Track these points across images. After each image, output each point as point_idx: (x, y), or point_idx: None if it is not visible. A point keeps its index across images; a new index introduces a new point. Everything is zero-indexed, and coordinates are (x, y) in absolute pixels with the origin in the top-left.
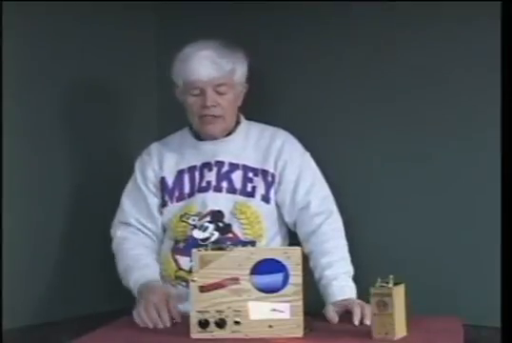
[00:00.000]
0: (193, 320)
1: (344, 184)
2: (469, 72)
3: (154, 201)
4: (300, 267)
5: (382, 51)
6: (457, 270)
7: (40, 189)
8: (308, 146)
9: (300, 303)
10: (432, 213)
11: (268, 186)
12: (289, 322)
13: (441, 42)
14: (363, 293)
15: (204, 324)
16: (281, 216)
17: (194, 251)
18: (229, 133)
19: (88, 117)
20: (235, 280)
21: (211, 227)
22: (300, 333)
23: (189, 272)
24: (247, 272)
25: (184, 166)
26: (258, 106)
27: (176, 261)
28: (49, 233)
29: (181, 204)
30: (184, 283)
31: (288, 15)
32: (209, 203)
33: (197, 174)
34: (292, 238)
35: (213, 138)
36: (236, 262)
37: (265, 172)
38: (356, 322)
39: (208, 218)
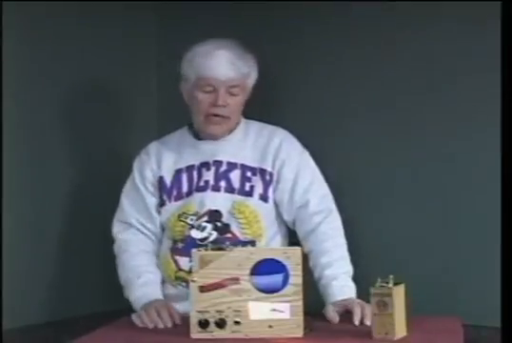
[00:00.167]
0: (193, 320)
1: (344, 183)
2: (469, 72)
3: (152, 201)
4: (300, 267)
5: (382, 51)
6: (457, 270)
7: (40, 189)
8: (309, 145)
9: (300, 303)
10: (432, 213)
11: (267, 185)
12: (289, 322)
13: (441, 42)
14: (363, 293)
15: (204, 324)
16: (280, 215)
17: (194, 251)
18: (228, 133)
19: (87, 117)
20: (235, 280)
21: (209, 226)
22: (300, 333)
23: (189, 272)
24: (247, 272)
25: (182, 165)
26: (258, 106)
27: (176, 262)
28: (49, 233)
29: (179, 203)
30: (184, 283)
31: (288, 15)
32: (207, 202)
33: (195, 174)
34: (292, 237)
35: (213, 138)
36: (236, 262)
37: (263, 171)
38: (356, 322)
39: (206, 218)
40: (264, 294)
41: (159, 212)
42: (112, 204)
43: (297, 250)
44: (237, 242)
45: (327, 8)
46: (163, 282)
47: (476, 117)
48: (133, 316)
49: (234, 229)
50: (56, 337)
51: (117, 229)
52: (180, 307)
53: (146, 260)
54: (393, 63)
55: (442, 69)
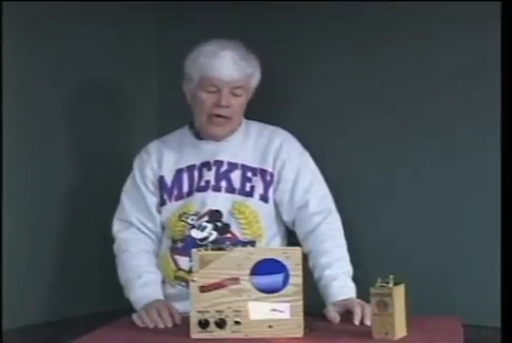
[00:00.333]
0: (193, 320)
1: (344, 184)
2: (469, 72)
3: (153, 200)
4: (300, 267)
5: (382, 52)
6: (457, 270)
7: (40, 189)
8: (309, 146)
9: (300, 303)
10: (432, 213)
11: (267, 185)
12: (289, 322)
13: (441, 42)
14: (363, 293)
15: (204, 324)
16: (279, 216)
17: (194, 251)
18: (230, 133)
19: (87, 117)
20: (235, 280)
21: (210, 226)
22: (300, 333)
23: (189, 272)
24: (247, 272)
25: (183, 165)
26: (258, 106)
27: (175, 261)
28: (50, 233)
29: (180, 203)
30: (183, 283)
31: (288, 15)
32: (208, 202)
33: (196, 174)
34: (291, 237)
35: (214, 138)
36: (236, 262)
37: (263, 172)
38: (356, 322)
39: (207, 218)
40: (264, 294)
41: (159, 212)
42: (112, 204)
43: (297, 250)
44: (237, 242)
45: (327, 8)
46: (162, 282)
47: (476, 117)
48: (134, 316)
49: (234, 229)
50: (56, 337)
51: (117, 227)
52: (179, 306)
53: (146, 260)
54: (393, 63)
55: (442, 69)
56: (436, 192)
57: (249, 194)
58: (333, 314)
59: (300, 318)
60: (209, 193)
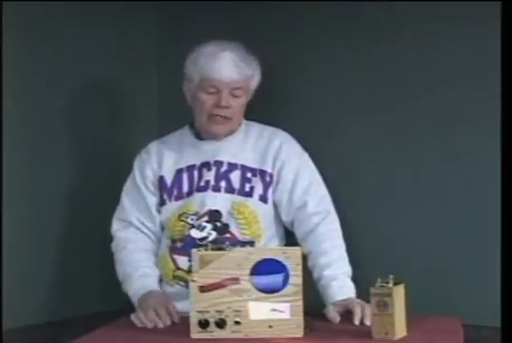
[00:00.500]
0: (193, 320)
1: (344, 184)
2: (469, 72)
3: (153, 200)
4: (300, 267)
5: (382, 52)
6: (457, 270)
7: (40, 189)
8: (308, 146)
9: (300, 303)
10: (432, 213)
11: (266, 186)
12: (289, 322)
13: (441, 42)
14: (363, 293)
15: (204, 324)
16: (278, 217)
17: (194, 251)
18: (230, 133)
19: (87, 117)
20: (235, 280)
21: (209, 226)
22: (300, 333)
23: (187, 271)
24: (247, 272)
25: (183, 165)
26: (258, 106)
27: (174, 261)
28: (49, 233)
29: (179, 203)
30: (182, 282)
31: (288, 16)
32: (208, 202)
33: (196, 174)
34: (290, 238)
35: (214, 138)
36: (236, 262)
37: (263, 173)
38: (356, 322)
39: (206, 218)
40: (264, 294)
41: (159, 212)
42: (112, 204)
43: (297, 250)
44: (236, 242)
45: (327, 8)
46: (160, 281)
47: (476, 117)
48: (132, 317)
49: (233, 229)
50: (56, 337)
51: (116, 227)
52: (178, 306)
53: (144, 256)
54: (393, 63)
55: (442, 69)
56: (436, 192)
57: (249, 195)
58: (333, 314)
59: (300, 318)
60: (209, 193)
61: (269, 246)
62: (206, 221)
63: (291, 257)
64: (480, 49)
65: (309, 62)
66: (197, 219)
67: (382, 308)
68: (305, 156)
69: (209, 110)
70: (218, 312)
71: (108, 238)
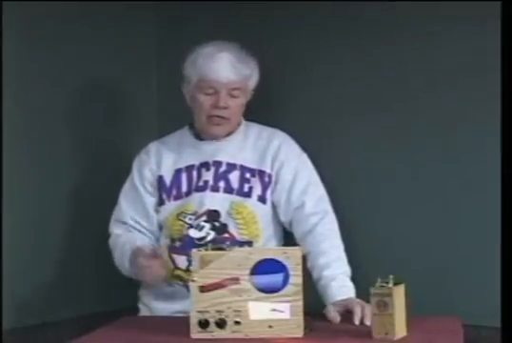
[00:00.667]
0: (193, 320)
1: (344, 184)
2: (469, 72)
3: (150, 200)
4: (300, 267)
5: (382, 52)
6: (457, 269)
7: (40, 189)
8: (306, 146)
9: (300, 303)
10: (432, 213)
11: (265, 186)
12: (289, 322)
13: (441, 42)
14: (362, 293)
15: (204, 324)
16: (276, 218)
17: (194, 251)
18: (229, 134)
19: (87, 117)
20: (235, 280)
21: (207, 226)
22: (300, 333)
23: (186, 270)
24: (247, 272)
25: (182, 165)
26: (257, 106)
27: (173, 260)
28: (50, 233)
29: (178, 203)
30: (180, 282)
31: (288, 16)
32: (206, 202)
33: (195, 174)
34: (288, 239)
35: (214, 138)
36: (236, 262)
37: (262, 173)
38: (357, 322)
39: (205, 218)
40: (264, 294)
41: (158, 211)
42: (112, 204)
43: (297, 250)
44: (234, 242)
45: (327, 8)
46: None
47: (476, 117)
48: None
49: (232, 229)
50: (56, 337)
51: (113, 227)
52: (177, 305)
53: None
54: (393, 63)
55: (442, 69)
56: (436, 192)
57: (247, 195)
58: (333, 314)
59: (300, 318)
60: (208, 193)
61: (268, 246)
62: (205, 221)
63: (291, 257)
64: (480, 49)
65: (309, 62)
66: (195, 219)
67: (382, 308)
68: (304, 157)
69: (208, 111)
70: (218, 312)
71: (108, 239)
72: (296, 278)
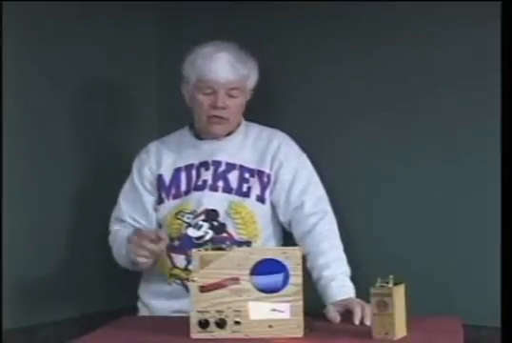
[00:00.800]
0: (193, 320)
1: (343, 184)
2: (469, 72)
3: (149, 199)
4: (300, 267)
5: (382, 52)
6: (457, 270)
7: (40, 189)
8: (306, 146)
9: (300, 303)
10: (432, 213)
11: (264, 186)
12: (289, 322)
13: (441, 42)
14: (362, 294)
15: (204, 324)
16: (276, 218)
17: (194, 251)
18: (229, 134)
19: (87, 117)
20: (235, 280)
21: (206, 225)
22: (300, 333)
23: (184, 269)
24: (247, 272)
25: (181, 164)
26: (257, 106)
27: (171, 259)
28: (50, 233)
29: (177, 201)
30: (178, 281)
31: (288, 16)
32: (205, 202)
33: (194, 173)
34: (288, 239)
35: (214, 138)
36: (236, 262)
37: (261, 173)
38: (357, 322)
39: (203, 217)
40: (264, 294)
41: (157, 210)
42: (112, 204)
43: (297, 250)
44: (232, 242)
45: (327, 8)
46: (158, 280)
47: (476, 117)
48: (130, 253)
49: (230, 228)
50: (56, 337)
51: (112, 225)
52: (175, 304)
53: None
54: (393, 63)
55: (442, 69)
56: (436, 193)
57: (246, 195)
58: (333, 315)
59: (300, 318)
60: (206, 193)
61: (266, 246)
62: (203, 220)
63: (291, 257)
64: (480, 49)
65: (309, 62)
66: (193, 218)
67: (382, 308)
68: (304, 157)
69: (207, 112)
70: (218, 312)
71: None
72: (296, 278)
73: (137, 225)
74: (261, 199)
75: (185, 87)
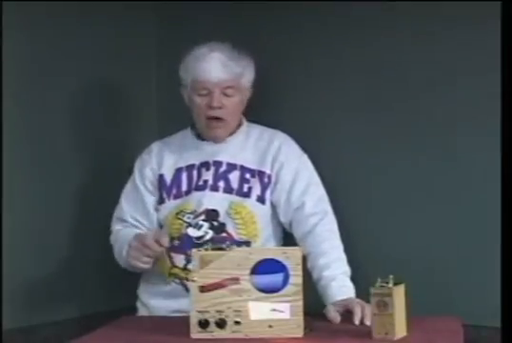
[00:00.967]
0: (193, 320)
1: (343, 185)
2: (469, 72)
3: (151, 199)
4: (300, 267)
5: (381, 52)
6: (457, 270)
7: (40, 189)
8: (306, 147)
9: (300, 303)
10: (432, 213)
11: (264, 187)
12: (289, 322)
13: (441, 42)
14: (362, 294)
15: (204, 324)
16: (276, 218)
17: (194, 251)
18: (230, 134)
19: (87, 117)
20: (235, 280)
21: (206, 225)
22: (300, 333)
23: (183, 269)
24: (247, 272)
25: (182, 164)
26: (256, 106)
27: (171, 258)
28: (50, 233)
29: (178, 201)
30: (177, 280)
31: (288, 16)
32: (205, 202)
33: (195, 173)
34: (288, 239)
35: (217, 141)
36: (236, 262)
37: (261, 174)
38: (357, 322)
39: (203, 217)
40: (264, 294)
41: (158, 210)
42: (112, 204)
43: (297, 250)
44: (232, 242)
45: (327, 8)
46: (157, 279)
47: (476, 117)
48: (129, 258)
49: (230, 228)
50: (56, 337)
51: (114, 225)
52: (174, 304)
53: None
54: (393, 63)
55: (442, 69)
56: (436, 193)
57: (246, 195)
58: (334, 315)
59: (300, 318)
60: (207, 193)
61: (266, 246)
62: (203, 220)
63: (291, 257)
64: (480, 49)
65: (309, 62)
66: (194, 218)
67: (382, 308)
68: (305, 158)
69: (205, 112)
70: (218, 312)
71: (109, 239)
72: (296, 278)
73: (138, 225)
74: (261, 199)
75: (182, 89)
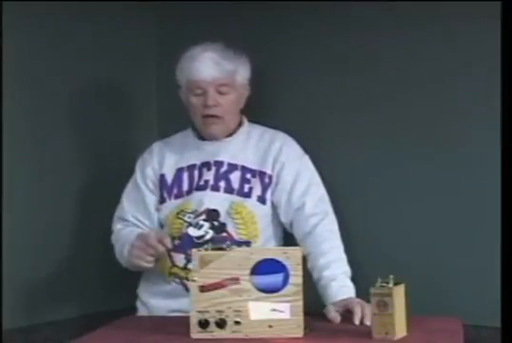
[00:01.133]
0: (193, 320)
1: (343, 185)
2: (469, 72)
3: (152, 199)
4: (300, 267)
5: (382, 51)
6: (457, 270)
7: (40, 189)
8: (306, 147)
9: (300, 303)
10: (432, 213)
11: (265, 187)
12: (289, 322)
13: (441, 42)
14: (362, 294)
15: (204, 324)
16: (276, 218)
17: (194, 250)
18: (231, 134)
19: (87, 117)
20: (235, 280)
21: (206, 225)
22: (300, 333)
23: (183, 268)
24: (248, 272)
25: (183, 164)
26: (256, 106)
27: (171, 258)
28: (50, 233)
29: (178, 201)
30: (177, 280)
31: (288, 16)
32: (206, 201)
33: (196, 173)
34: (288, 239)
35: (215, 138)
36: (236, 262)
37: (262, 174)
38: (357, 321)
39: (204, 216)
40: (264, 294)
41: (159, 209)
42: (113, 204)
43: (297, 250)
44: (232, 242)
45: (327, 8)
46: (157, 279)
47: (476, 117)
48: (132, 257)
49: (230, 228)
50: (56, 337)
51: (115, 224)
52: (174, 303)
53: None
54: (392, 63)
55: (441, 68)
56: (436, 193)
57: (247, 195)
58: (334, 315)
59: (300, 318)
60: (208, 193)
61: (266, 246)
62: (204, 220)
63: (291, 257)
64: (480, 49)
65: (309, 62)
66: (194, 217)
67: (382, 308)
68: (306, 158)
69: (201, 112)
70: (218, 312)
71: (109, 239)
72: (296, 278)
73: (139, 224)
74: (262, 200)
75: (180, 91)
